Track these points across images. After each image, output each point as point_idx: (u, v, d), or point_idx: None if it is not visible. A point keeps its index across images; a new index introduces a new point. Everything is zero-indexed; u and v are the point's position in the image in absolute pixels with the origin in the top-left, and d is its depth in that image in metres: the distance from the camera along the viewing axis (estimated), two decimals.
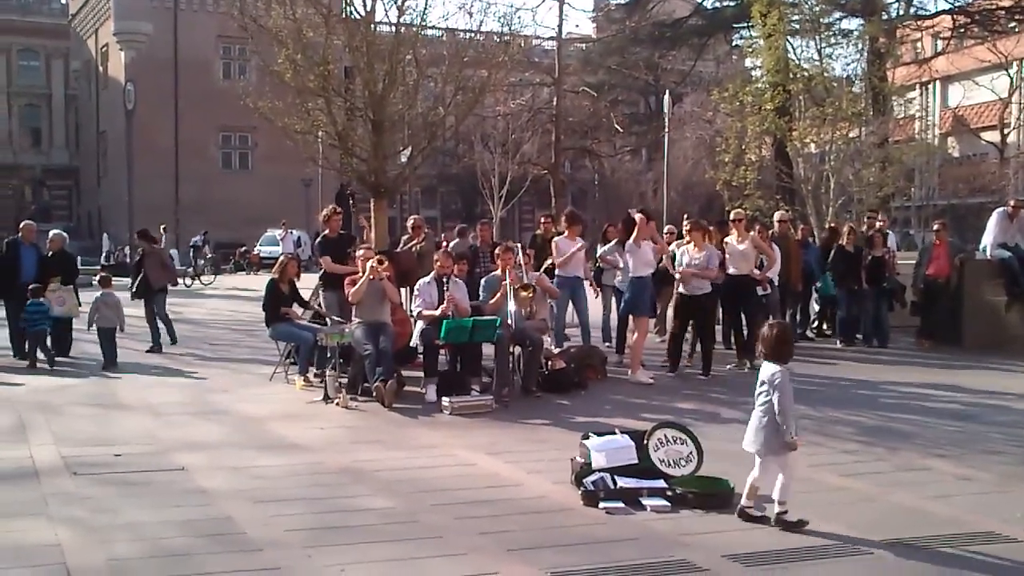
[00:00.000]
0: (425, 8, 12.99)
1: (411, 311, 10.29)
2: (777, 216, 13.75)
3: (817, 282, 14.14)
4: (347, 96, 12.97)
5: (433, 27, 13.72)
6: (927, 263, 13.45)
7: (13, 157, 53.23)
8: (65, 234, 13.38)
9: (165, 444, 7.45)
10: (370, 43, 12.24)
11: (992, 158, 35.19)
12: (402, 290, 11.08)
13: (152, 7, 43.92)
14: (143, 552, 4.90)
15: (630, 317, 10.95)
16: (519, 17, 24.91)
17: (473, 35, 13.41)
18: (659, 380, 10.48)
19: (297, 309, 10.57)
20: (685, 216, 13.07)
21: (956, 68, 34.45)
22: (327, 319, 10.44)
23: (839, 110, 18.75)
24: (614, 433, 6.41)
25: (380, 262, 9.49)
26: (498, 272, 10.06)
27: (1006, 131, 34.80)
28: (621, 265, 11.22)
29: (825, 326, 14.83)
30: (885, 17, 23.64)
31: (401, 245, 12.47)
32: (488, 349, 9.70)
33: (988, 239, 13.53)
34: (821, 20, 20.81)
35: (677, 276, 11.07)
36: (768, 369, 5.36)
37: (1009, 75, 33.21)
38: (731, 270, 11.34)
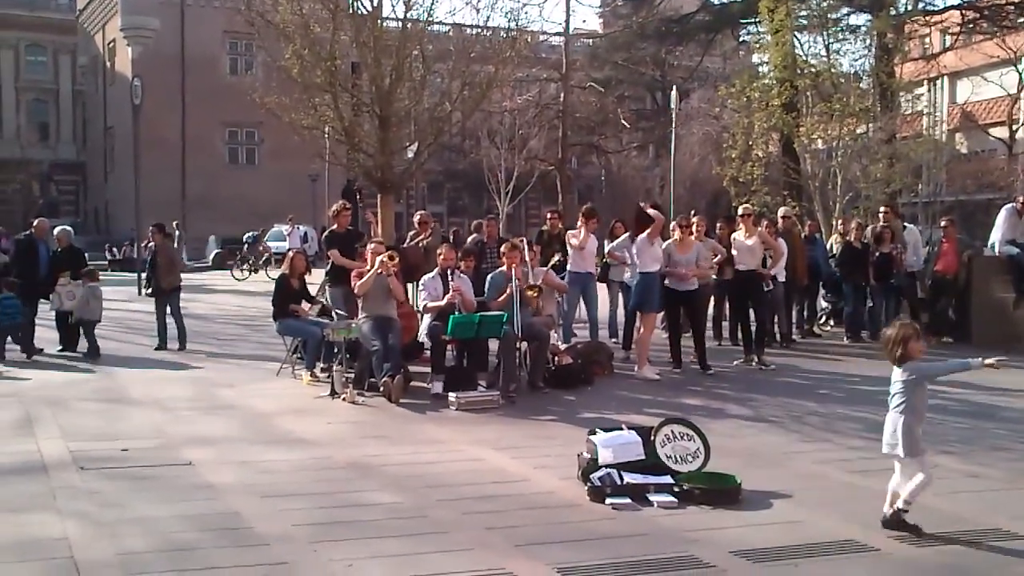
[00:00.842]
0: (432, 3, 12.95)
1: (417, 306, 10.30)
2: (781, 212, 13.74)
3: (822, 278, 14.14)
4: (354, 91, 12.98)
5: (440, 22, 13.77)
6: (935, 259, 13.41)
7: (20, 152, 53.32)
8: (71, 229, 13.47)
9: (172, 439, 7.47)
10: (377, 38, 12.25)
11: (1000, 154, 35.03)
12: (409, 285, 11.08)
13: (159, 3, 43.93)
14: (151, 546, 4.92)
15: (637, 313, 10.94)
16: (526, 12, 24.95)
17: (480, 30, 13.41)
18: (665, 376, 10.47)
19: (304, 304, 10.58)
20: (692, 212, 13.06)
21: (964, 64, 34.27)
22: (333, 314, 10.45)
23: (846, 106, 18.70)
24: (621, 429, 6.41)
25: (391, 258, 9.49)
26: (503, 269, 10.05)
27: (1015, 127, 34.63)
28: (629, 261, 11.21)
29: (832, 322, 14.82)
30: (893, 12, 23.53)
31: (408, 240, 12.47)
32: (494, 345, 9.70)
33: (996, 235, 13.48)
34: (829, 16, 20.75)
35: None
36: (903, 370, 5.28)
37: (1018, 71, 33.01)
38: (739, 266, 11.33)
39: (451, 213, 51.29)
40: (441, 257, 9.89)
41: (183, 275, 13.90)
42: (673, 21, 33.44)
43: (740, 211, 12.09)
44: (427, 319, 9.72)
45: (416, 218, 13.02)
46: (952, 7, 27.85)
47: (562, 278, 11.42)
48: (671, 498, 5.71)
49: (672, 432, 6.26)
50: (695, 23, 32.43)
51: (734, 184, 19.99)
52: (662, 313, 11.31)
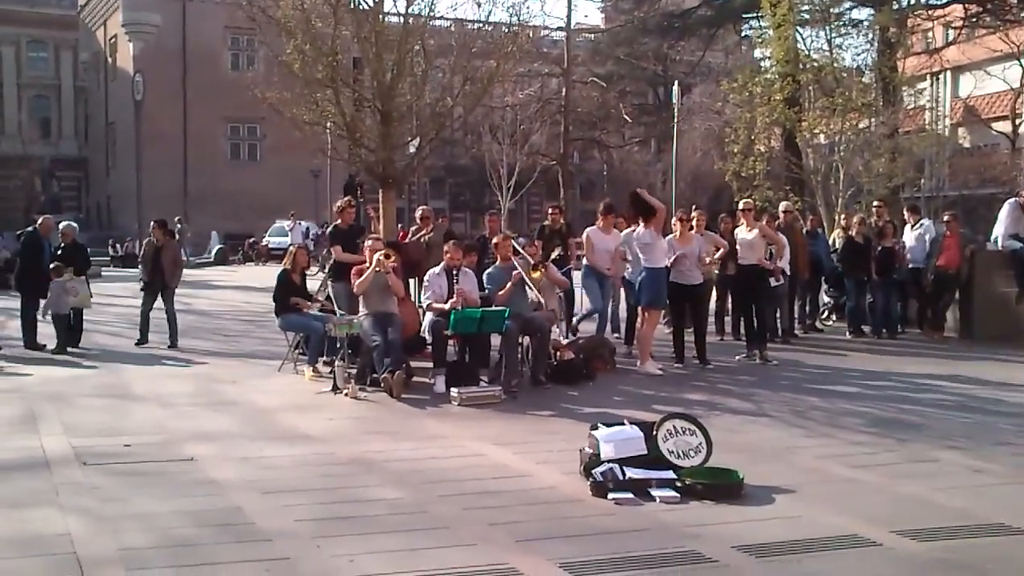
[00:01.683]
0: None
1: (420, 302, 10.29)
2: (782, 207, 13.73)
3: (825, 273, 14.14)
4: (355, 87, 12.94)
5: (441, 17, 13.71)
6: (937, 254, 13.39)
7: (22, 148, 53.32)
8: (75, 225, 13.49)
9: (174, 435, 7.47)
10: (378, 33, 12.22)
11: (1003, 148, 34.97)
12: (411, 281, 11.08)
13: None
14: (153, 542, 4.92)
15: (640, 308, 10.93)
16: (527, 7, 24.97)
17: (481, 25, 13.36)
18: (668, 371, 10.46)
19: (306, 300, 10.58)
20: (694, 207, 13.05)
21: (967, 58, 34.20)
22: (335, 310, 10.45)
23: (849, 100, 18.69)
24: (623, 424, 6.41)
25: (387, 256, 9.48)
26: (499, 263, 10.03)
27: (1018, 121, 34.58)
28: (631, 256, 11.19)
29: (834, 317, 14.81)
30: (895, 7, 23.51)
31: (410, 235, 12.46)
32: (496, 340, 9.69)
33: (999, 230, 13.46)
34: (831, 10, 20.76)
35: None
36: None
37: (1021, 64, 32.91)
38: (741, 260, 11.33)
39: (453, 208, 51.26)
40: (448, 256, 9.86)
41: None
42: (675, 16, 33.39)
43: (740, 206, 12.08)
44: (429, 315, 9.71)
45: (418, 213, 13.00)
46: (955, 1, 27.77)
47: (564, 274, 11.42)
48: (673, 493, 5.70)
49: (674, 427, 6.26)
50: (697, 18, 32.38)
51: (736, 179, 19.99)
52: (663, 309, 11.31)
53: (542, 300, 10.00)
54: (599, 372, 10.12)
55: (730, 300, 12.81)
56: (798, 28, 20.01)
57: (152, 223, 13.24)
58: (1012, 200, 13.81)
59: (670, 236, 10.88)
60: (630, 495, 5.68)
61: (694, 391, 9.42)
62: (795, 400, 8.89)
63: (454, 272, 9.72)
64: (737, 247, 11.36)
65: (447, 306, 9.42)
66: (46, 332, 12.36)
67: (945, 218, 13.95)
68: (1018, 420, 8.13)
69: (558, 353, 9.97)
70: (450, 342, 9.76)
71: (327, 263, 13.99)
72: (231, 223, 41.02)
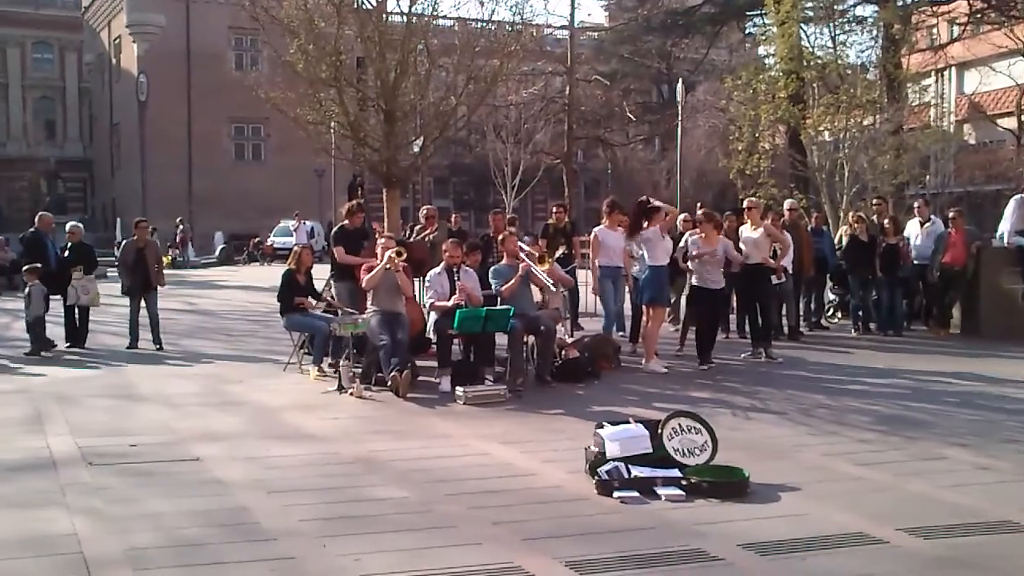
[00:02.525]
0: None
1: (423, 302, 10.29)
2: (787, 204, 13.71)
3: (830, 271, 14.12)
4: (359, 86, 12.97)
5: (445, 16, 13.72)
6: (943, 251, 13.36)
7: (27, 149, 53.48)
8: (81, 225, 13.52)
9: (180, 435, 7.48)
10: (382, 33, 12.24)
11: (1009, 145, 34.86)
12: (415, 280, 11.08)
13: None
14: (160, 542, 4.92)
15: (644, 306, 10.91)
16: (531, 6, 24.94)
17: (485, 24, 13.36)
18: (673, 369, 10.45)
19: (310, 300, 10.58)
20: (699, 205, 13.03)
21: (972, 54, 34.07)
22: (339, 310, 10.45)
23: (853, 97, 18.64)
24: (628, 422, 6.40)
25: (399, 254, 9.48)
26: (505, 260, 10.02)
27: (1023, 118, 34.45)
28: (636, 255, 11.19)
29: (840, 314, 14.79)
30: (900, 3, 23.43)
31: (414, 235, 12.46)
32: (501, 339, 9.69)
33: (1005, 226, 13.42)
34: (835, 7, 20.70)
35: (690, 267, 11.07)
36: None
37: None
38: (745, 259, 11.30)
39: (457, 207, 51.23)
40: (447, 254, 9.87)
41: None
42: (679, 14, 33.37)
43: (746, 203, 12.05)
44: (434, 314, 9.71)
45: (422, 213, 13.01)
46: None
47: (568, 272, 11.41)
48: (679, 491, 5.70)
49: (680, 425, 6.25)
50: (701, 15, 32.34)
51: (740, 176, 19.97)
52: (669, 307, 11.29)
53: (551, 286, 9.95)
54: (604, 371, 10.11)
55: (735, 299, 12.78)
56: (802, 25, 19.97)
57: (135, 222, 13.10)
58: (1018, 196, 13.76)
59: (694, 236, 10.81)
60: (635, 493, 5.68)
61: (699, 389, 9.41)
62: (800, 398, 8.88)
63: (455, 270, 9.72)
64: (741, 245, 11.34)
65: (450, 303, 9.42)
66: (55, 333, 12.38)
67: (951, 215, 13.91)
68: None
69: (563, 352, 9.97)
70: (455, 341, 9.75)
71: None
72: (236, 223, 41.08)
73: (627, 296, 12.44)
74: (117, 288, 13.07)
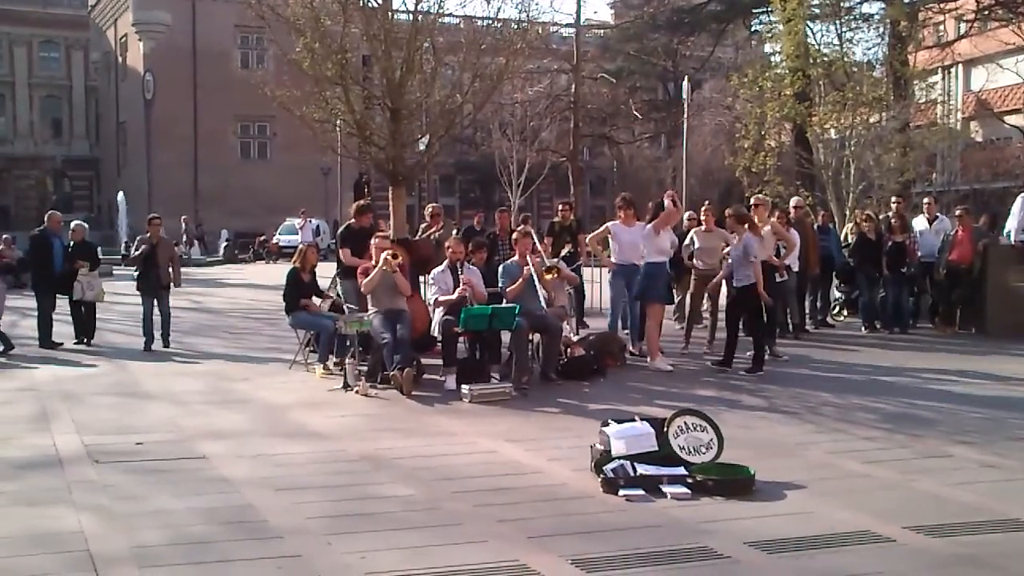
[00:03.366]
0: None
1: (428, 300, 10.30)
2: (793, 202, 13.68)
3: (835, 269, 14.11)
4: (365, 84, 12.96)
5: (450, 14, 13.67)
6: (950, 249, 13.33)
7: (34, 148, 53.62)
8: (86, 224, 13.57)
9: (186, 432, 7.50)
10: (388, 31, 12.22)
11: (1016, 142, 34.73)
12: (420, 278, 11.08)
13: None
14: (166, 539, 4.93)
15: (640, 303, 10.87)
16: (537, 3, 24.91)
17: (490, 22, 13.35)
18: (678, 367, 10.44)
19: (315, 299, 10.59)
20: (706, 202, 12.99)
21: (979, 51, 33.94)
22: (345, 308, 10.47)
23: (860, 95, 18.57)
24: (634, 420, 6.40)
25: (394, 255, 9.47)
26: (516, 259, 10.03)
27: None
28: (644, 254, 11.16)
29: (846, 312, 14.77)
30: (907, 0, 23.36)
31: (420, 233, 12.47)
32: (507, 337, 9.69)
33: (1012, 224, 13.39)
34: (841, 4, 20.62)
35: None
36: None
37: None
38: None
39: (463, 206, 51.26)
40: (450, 251, 9.87)
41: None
42: (685, 11, 33.31)
43: (753, 201, 12.03)
44: (439, 313, 9.72)
45: (428, 211, 13.01)
46: None
47: (574, 270, 11.40)
48: (684, 489, 5.69)
49: (685, 423, 6.24)
50: (707, 13, 32.29)
51: (747, 174, 19.92)
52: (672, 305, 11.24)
53: (553, 294, 9.97)
54: (610, 368, 10.10)
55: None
56: (808, 23, 19.89)
57: (148, 220, 12.99)
58: None
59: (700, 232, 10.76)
60: (641, 491, 5.68)
61: (705, 387, 9.40)
62: (806, 396, 8.86)
63: (459, 266, 9.73)
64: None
65: (454, 296, 9.42)
66: (61, 332, 12.43)
67: (957, 212, 13.88)
68: None
69: (568, 350, 9.97)
70: (461, 339, 9.76)
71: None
72: (241, 221, 41.16)
73: None
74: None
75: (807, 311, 13.60)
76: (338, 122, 13.06)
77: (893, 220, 13.69)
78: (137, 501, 5.61)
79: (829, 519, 5.22)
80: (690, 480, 5.78)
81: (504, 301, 9.66)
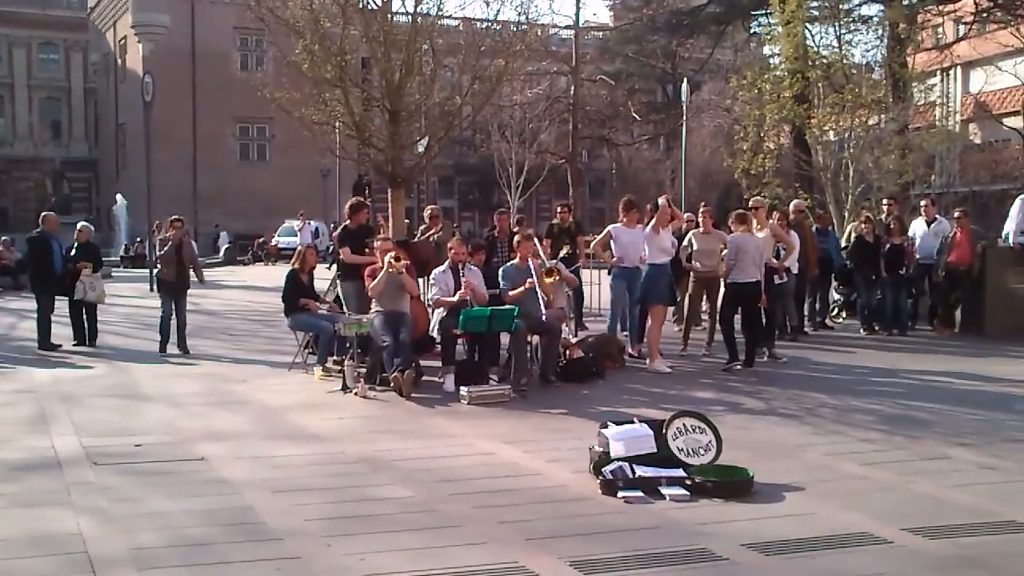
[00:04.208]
0: None
1: (428, 301, 10.30)
2: (793, 205, 13.69)
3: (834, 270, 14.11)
4: (364, 86, 12.98)
5: (450, 16, 13.68)
6: (948, 251, 13.34)
7: (33, 150, 53.60)
8: (91, 226, 13.61)
9: (185, 434, 7.50)
10: (387, 33, 12.24)
11: (1015, 144, 34.78)
12: (420, 280, 11.08)
13: None
14: (165, 541, 4.94)
15: (642, 305, 10.88)
16: (536, 6, 24.95)
17: (490, 24, 13.36)
18: (677, 369, 10.44)
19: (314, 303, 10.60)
20: (703, 204, 12.99)
21: (978, 53, 33.98)
22: (345, 310, 10.47)
23: (858, 97, 18.59)
24: (633, 422, 6.40)
25: (397, 258, 9.48)
26: (516, 261, 10.02)
27: None
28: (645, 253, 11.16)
29: (844, 314, 14.77)
30: (905, 2, 23.38)
31: (419, 235, 12.47)
32: (506, 339, 9.69)
33: (1011, 226, 13.39)
34: (840, 6, 20.64)
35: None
36: None
37: None
38: None
39: (462, 208, 51.29)
40: (452, 251, 9.88)
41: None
42: (683, 13, 33.37)
43: (752, 203, 12.03)
44: (438, 314, 9.72)
45: (427, 213, 13.01)
46: None
47: (573, 272, 11.40)
48: (683, 491, 5.70)
49: (684, 425, 6.25)
50: (706, 15, 32.33)
51: (745, 176, 19.92)
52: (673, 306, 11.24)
53: (551, 296, 9.98)
54: (608, 370, 10.11)
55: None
56: (807, 24, 19.91)
57: (170, 221, 12.87)
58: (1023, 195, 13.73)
59: (691, 233, 10.78)
60: (640, 493, 5.68)
61: (703, 389, 9.40)
62: (805, 397, 8.87)
63: (460, 268, 9.73)
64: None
65: (455, 298, 9.43)
66: (60, 333, 12.43)
67: (956, 215, 13.89)
68: None
69: (567, 351, 9.97)
70: (459, 341, 9.76)
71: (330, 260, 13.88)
72: (240, 223, 41.17)
73: None
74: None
75: (806, 313, 13.60)
76: (337, 124, 13.08)
77: (891, 223, 13.70)
78: (136, 503, 5.61)
79: (827, 521, 5.22)
80: (689, 482, 5.78)
81: (504, 303, 9.65)
